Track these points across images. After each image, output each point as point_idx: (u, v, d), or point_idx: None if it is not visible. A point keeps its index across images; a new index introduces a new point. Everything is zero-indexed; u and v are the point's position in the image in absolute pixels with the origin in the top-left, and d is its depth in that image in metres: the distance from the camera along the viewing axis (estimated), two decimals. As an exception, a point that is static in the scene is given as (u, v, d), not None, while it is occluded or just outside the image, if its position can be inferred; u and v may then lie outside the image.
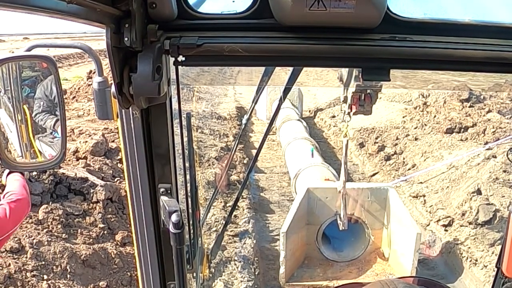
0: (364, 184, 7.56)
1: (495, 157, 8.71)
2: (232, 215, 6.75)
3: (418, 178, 9.28)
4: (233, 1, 1.30)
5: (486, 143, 9.75)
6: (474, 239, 7.09)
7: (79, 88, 13.33)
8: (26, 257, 4.69)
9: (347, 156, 5.39)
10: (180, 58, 1.24)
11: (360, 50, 1.24)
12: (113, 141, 7.95)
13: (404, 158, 10.38)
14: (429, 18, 1.30)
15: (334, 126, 13.13)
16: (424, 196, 8.65)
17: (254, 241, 7.11)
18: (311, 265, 6.70)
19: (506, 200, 7.49)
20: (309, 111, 15.51)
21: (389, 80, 1.30)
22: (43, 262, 4.73)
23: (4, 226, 2.57)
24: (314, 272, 6.60)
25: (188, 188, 1.75)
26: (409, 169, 9.89)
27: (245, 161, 9.98)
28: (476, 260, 6.77)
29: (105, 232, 5.59)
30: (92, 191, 5.89)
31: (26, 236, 4.87)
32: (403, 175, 9.59)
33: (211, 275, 5.99)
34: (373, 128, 11.94)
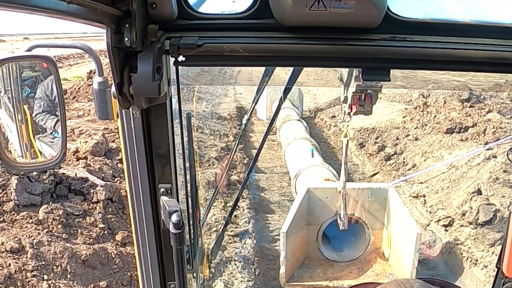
0: (364, 184, 7.55)
1: (495, 157, 8.70)
2: (232, 215, 6.74)
3: (418, 178, 9.28)
4: (233, 1, 1.30)
5: (486, 143, 9.75)
6: (474, 239, 7.08)
7: (79, 88, 13.36)
8: (26, 257, 4.69)
9: (347, 156, 5.39)
10: (180, 58, 1.24)
11: (360, 50, 1.24)
12: (113, 141, 7.96)
13: (404, 158, 10.38)
14: (429, 18, 1.30)
15: (334, 126, 13.13)
16: (424, 196, 8.64)
17: (254, 241, 7.11)
18: (311, 265, 6.70)
19: (506, 200, 7.49)
20: (309, 111, 15.52)
21: (389, 80, 1.30)
22: (43, 262, 4.73)
23: None
24: (314, 272, 6.59)
25: (188, 188, 1.75)
26: (409, 169, 9.89)
27: (245, 161, 9.98)
28: (476, 260, 6.76)
29: (105, 232, 5.59)
30: (92, 191, 5.89)
31: (26, 236, 4.87)
32: (403, 175, 9.58)
33: (211, 275, 5.98)
34: (373, 128, 11.93)
